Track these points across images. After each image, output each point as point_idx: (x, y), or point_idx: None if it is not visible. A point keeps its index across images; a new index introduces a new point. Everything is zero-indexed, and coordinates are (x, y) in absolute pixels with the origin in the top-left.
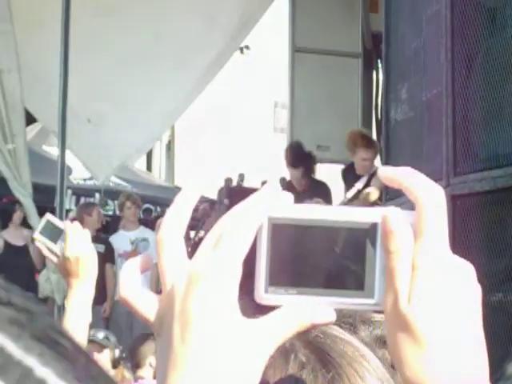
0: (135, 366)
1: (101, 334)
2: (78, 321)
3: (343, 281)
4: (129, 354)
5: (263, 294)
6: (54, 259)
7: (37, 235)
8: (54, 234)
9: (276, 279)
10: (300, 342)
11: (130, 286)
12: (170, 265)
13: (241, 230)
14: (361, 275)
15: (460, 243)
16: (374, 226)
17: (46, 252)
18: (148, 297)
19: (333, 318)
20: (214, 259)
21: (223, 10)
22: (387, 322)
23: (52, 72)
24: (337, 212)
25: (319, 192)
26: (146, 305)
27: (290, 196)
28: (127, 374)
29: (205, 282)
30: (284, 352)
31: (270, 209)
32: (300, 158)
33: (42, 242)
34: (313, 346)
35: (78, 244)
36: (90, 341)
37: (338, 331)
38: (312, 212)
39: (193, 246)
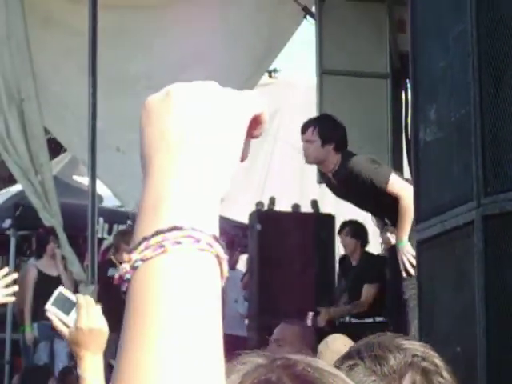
0: None
1: None
2: None
3: None
4: None
5: None
6: (65, 330)
7: (48, 306)
8: (66, 305)
9: None
10: (287, 376)
11: None
12: None
13: None
14: None
15: (492, 263)
16: None
17: (56, 323)
18: None
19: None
20: None
21: (249, 36)
22: None
23: (80, 101)
24: None
25: None
26: None
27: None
28: None
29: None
30: None
31: None
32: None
33: (53, 313)
34: (300, 380)
35: (91, 316)
36: None
37: (323, 364)
38: None
39: None
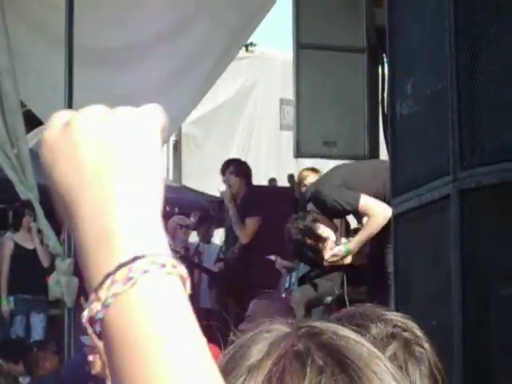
0: None
1: None
2: None
3: None
4: None
5: None
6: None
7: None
8: None
9: None
10: (314, 344)
11: None
12: None
13: None
14: None
15: (469, 237)
16: None
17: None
18: None
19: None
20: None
21: (226, 10)
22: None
23: (57, 73)
24: None
25: None
26: None
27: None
28: None
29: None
30: (299, 356)
31: None
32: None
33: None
34: (328, 349)
35: None
36: None
37: (348, 332)
38: None
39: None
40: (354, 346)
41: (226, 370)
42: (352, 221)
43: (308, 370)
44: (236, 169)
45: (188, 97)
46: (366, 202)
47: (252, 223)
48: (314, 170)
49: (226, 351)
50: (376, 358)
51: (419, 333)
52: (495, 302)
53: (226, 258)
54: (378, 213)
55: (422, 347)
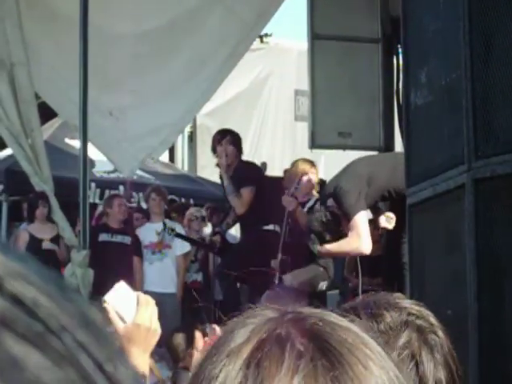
0: (175, 360)
1: None
2: None
3: None
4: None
5: None
6: (120, 324)
7: (107, 298)
8: (125, 300)
9: None
10: (296, 329)
11: None
12: None
13: None
14: None
15: (483, 226)
16: None
17: (113, 315)
18: None
19: None
20: None
21: (240, 1)
22: None
23: (71, 65)
24: None
25: None
26: None
27: None
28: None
29: None
30: (279, 341)
31: None
32: None
33: (111, 306)
34: (310, 334)
35: (150, 315)
36: None
37: (336, 318)
38: None
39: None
40: (339, 331)
41: (209, 357)
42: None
43: (287, 354)
44: (233, 139)
45: (202, 88)
46: (360, 222)
47: (247, 193)
48: (311, 163)
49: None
50: (362, 344)
51: (434, 321)
52: (510, 291)
53: (221, 230)
54: (358, 239)
55: (437, 335)
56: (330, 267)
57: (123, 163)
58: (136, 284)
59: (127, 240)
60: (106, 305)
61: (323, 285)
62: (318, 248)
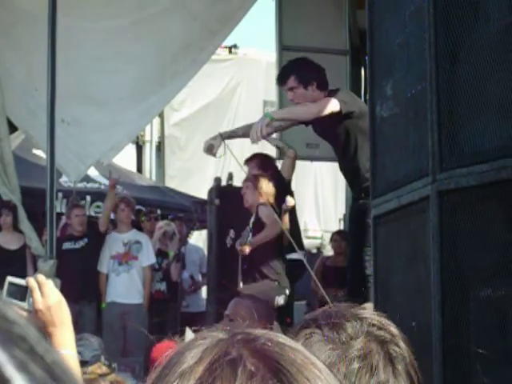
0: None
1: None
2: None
3: None
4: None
5: None
6: (25, 315)
7: (4, 299)
8: (20, 292)
9: None
10: (247, 350)
11: None
12: None
13: None
14: None
15: (448, 238)
16: None
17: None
18: None
19: None
20: None
21: (204, 7)
22: None
23: (28, 72)
24: None
25: None
26: None
27: None
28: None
29: None
30: (231, 362)
31: None
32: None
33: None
34: (261, 355)
35: (45, 294)
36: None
37: (284, 338)
38: None
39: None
40: (289, 352)
41: (161, 377)
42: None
43: (239, 374)
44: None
45: (159, 95)
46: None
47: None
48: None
49: (164, 358)
50: (311, 364)
51: (395, 331)
52: (474, 303)
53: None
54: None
55: (398, 346)
56: (284, 280)
57: (71, 168)
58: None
59: (84, 241)
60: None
61: (280, 299)
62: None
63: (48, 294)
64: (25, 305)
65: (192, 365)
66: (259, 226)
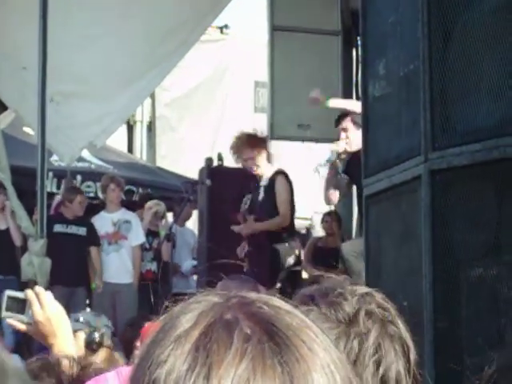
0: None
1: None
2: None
3: None
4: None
5: None
6: (28, 329)
7: (4, 314)
8: (19, 305)
9: None
10: (243, 313)
11: None
12: None
13: None
14: None
15: (439, 217)
16: None
17: (18, 326)
18: None
19: None
20: None
21: None
22: None
23: (15, 50)
24: None
25: None
26: None
27: None
28: (117, 356)
29: None
30: (227, 325)
31: None
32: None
33: (10, 318)
34: (257, 318)
35: (44, 306)
36: None
37: (280, 302)
38: None
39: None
40: (284, 315)
41: (156, 342)
42: None
43: (235, 338)
44: None
45: (148, 76)
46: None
47: None
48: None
49: (158, 324)
50: (306, 327)
51: (393, 311)
52: (465, 282)
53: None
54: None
55: (396, 326)
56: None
57: (64, 150)
58: (97, 271)
59: (82, 231)
60: (7, 320)
61: (290, 260)
62: None
63: (47, 305)
64: (24, 318)
65: (187, 329)
66: (272, 194)
